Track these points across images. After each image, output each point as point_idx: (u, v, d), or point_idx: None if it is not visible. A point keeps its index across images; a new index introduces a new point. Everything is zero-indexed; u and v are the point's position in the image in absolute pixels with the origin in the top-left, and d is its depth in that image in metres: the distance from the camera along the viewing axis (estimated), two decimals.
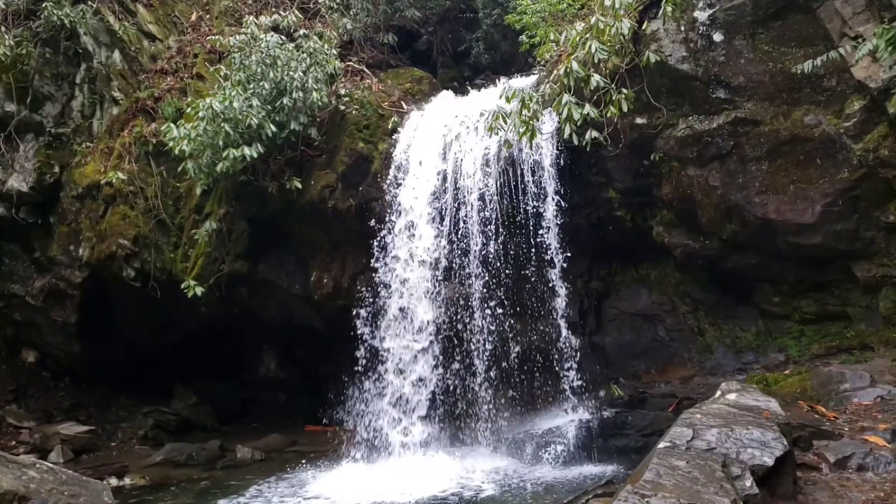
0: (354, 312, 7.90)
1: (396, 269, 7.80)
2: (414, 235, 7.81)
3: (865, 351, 6.58)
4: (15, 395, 9.78)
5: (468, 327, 7.60)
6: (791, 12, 6.23)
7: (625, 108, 6.27)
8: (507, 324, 7.72)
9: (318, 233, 8.76)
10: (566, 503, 4.38)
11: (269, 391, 11.04)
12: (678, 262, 7.80)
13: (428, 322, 7.64)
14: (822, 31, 6.09)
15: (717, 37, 6.48)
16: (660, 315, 8.23)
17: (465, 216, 7.60)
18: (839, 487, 3.87)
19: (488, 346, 7.51)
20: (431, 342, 7.59)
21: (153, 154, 9.07)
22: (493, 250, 7.52)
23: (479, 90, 8.83)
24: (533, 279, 7.61)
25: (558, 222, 7.36)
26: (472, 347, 7.54)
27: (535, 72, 8.35)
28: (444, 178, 7.78)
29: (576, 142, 6.39)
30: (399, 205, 7.92)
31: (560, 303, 7.42)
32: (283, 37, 8.43)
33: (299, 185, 8.25)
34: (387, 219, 7.94)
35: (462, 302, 7.66)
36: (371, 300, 7.87)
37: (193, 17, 10.27)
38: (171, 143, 8.09)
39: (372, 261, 7.90)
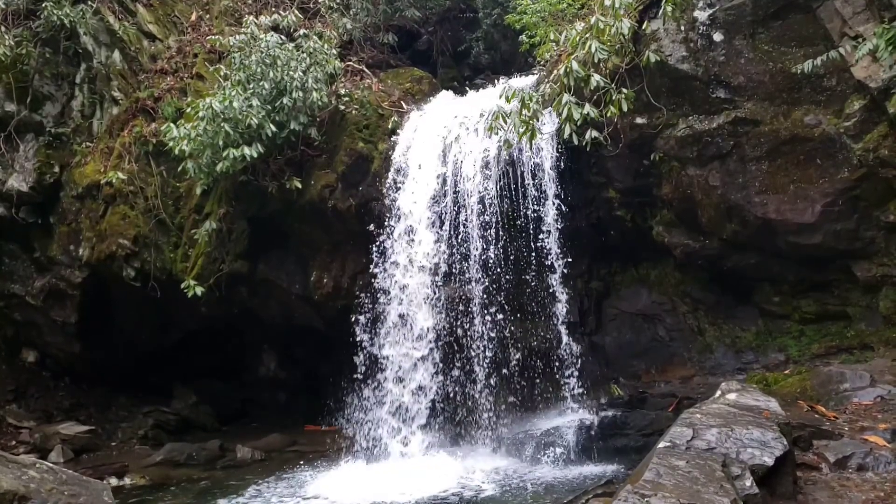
0: (353, 318, 7.82)
1: (396, 274, 7.72)
2: (413, 240, 7.73)
3: (865, 351, 6.58)
4: (15, 394, 9.78)
5: (468, 333, 7.54)
6: (791, 12, 6.23)
7: (625, 108, 6.27)
8: (508, 330, 7.65)
9: (318, 233, 8.76)
10: (566, 503, 4.38)
11: (269, 391, 11.04)
12: (678, 262, 7.80)
13: (428, 329, 7.55)
14: (822, 31, 6.09)
15: (717, 36, 6.48)
16: (660, 315, 8.23)
17: (465, 220, 7.53)
18: (839, 487, 3.86)
19: (488, 354, 7.44)
20: (431, 349, 7.50)
21: (153, 154, 9.07)
22: (493, 255, 7.44)
23: (478, 90, 8.78)
24: (533, 284, 7.55)
25: (559, 227, 7.31)
26: (473, 354, 7.48)
27: (535, 72, 8.35)
28: (444, 182, 7.71)
29: (576, 142, 6.38)
30: (398, 209, 7.85)
31: (561, 308, 7.37)
32: (282, 37, 8.43)
33: (299, 185, 8.25)
34: (386, 223, 7.87)
35: (462, 308, 7.60)
36: (370, 306, 7.79)
37: (193, 17, 10.27)
38: (171, 143, 8.09)
39: (371, 266, 7.84)
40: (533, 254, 7.39)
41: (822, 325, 7.09)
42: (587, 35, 6.27)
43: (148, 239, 8.97)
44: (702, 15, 6.49)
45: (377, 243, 7.85)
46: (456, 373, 7.55)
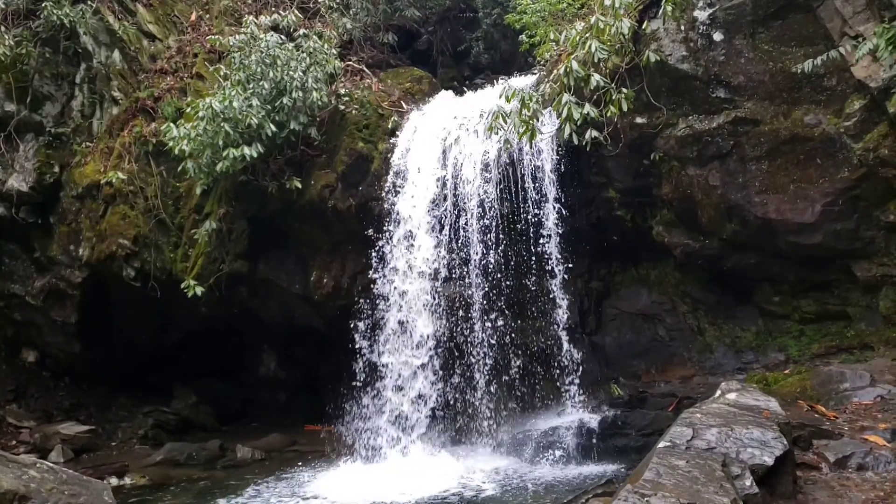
0: (353, 325, 7.74)
1: (395, 280, 7.63)
2: (413, 245, 7.63)
3: (865, 350, 6.57)
4: (15, 394, 9.78)
5: (468, 339, 7.46)
6: (791, 12, 6.23)
7: (625, 108, 6.27)
8: (508, 336, 7.59)
9: (318, 232, 8.76)
10: (566, 503, 4.37)
11: (269, 391, 11.04)
12: (678, 262, 7.80)
13: (427, 336, 7.46)
14: (823, 31, 6.09)
15: (717, 36, 6.48)
16: (660, 315, 8.22)
17: (465, 224, 7.44)
18: (839, 487, 3.86)
19: (489, 361, 7.38)
20: (431, 357, 7.42)
21: (153, 154, 9.07)
22: (493, 260, 7.36)
23: (477, 90, 8.72)
24: (534, 289, 7.48)
25: (559, 231, 7.24)
26: (473, 360, 7.41)
27: (535, 71, 8.34)
28: (444, 185, 7.63)
29: (576, 141, 6.38)
30: (397, 213, 7.76)
31: (561, 315, 7.31)
32: (282, 36, 8.43)
33: (299, 185, 8.25)
34: (385, 227, 7.80)
35: (462, 313, 7.52)
36: (369, 312, 7.70)
37: (193, 17, 10.27)
38: (170, 143, 8.09)
39: (370, 272, 7.76)
40: (533, 258, 7.32)
41: (822, 325, 7.09)
42: (587, 35, 6.26)
43: (148, 239, 8.97)
44: (702, 14, 6.49)
45: (376, 248, 7.78)
46: (456, 380, 7.48)
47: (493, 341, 7.45)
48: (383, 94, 8.88)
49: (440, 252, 7.55)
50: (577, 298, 8.23)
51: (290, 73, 8.01)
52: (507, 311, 7.54)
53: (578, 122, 6.16)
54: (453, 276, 7.54)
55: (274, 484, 7.00)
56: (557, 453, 6.90)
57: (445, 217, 7.57)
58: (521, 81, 7.92)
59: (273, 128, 7.91)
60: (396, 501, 6.03)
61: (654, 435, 6.19)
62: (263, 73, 7.99)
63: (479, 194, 7.43)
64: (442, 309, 7.54)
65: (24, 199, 9.26)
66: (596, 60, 6.33)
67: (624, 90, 6.33)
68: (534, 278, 7.44)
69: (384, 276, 7.70)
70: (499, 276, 7.46)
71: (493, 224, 7.38)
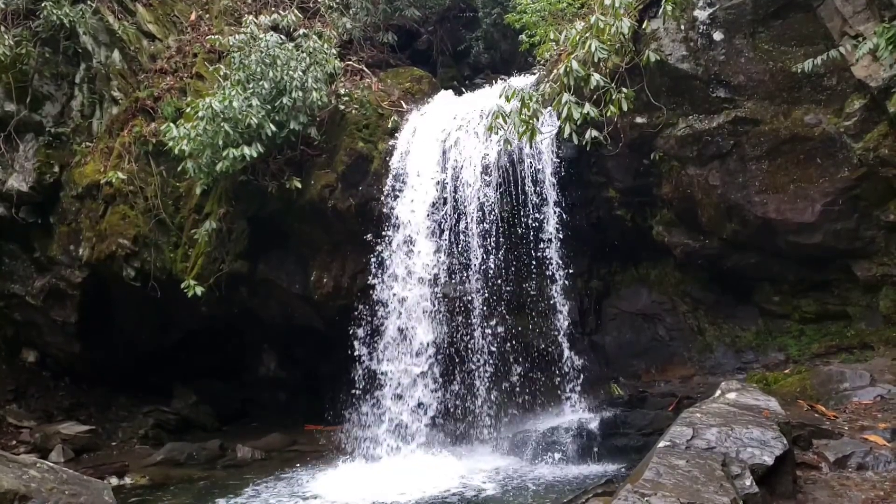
0: (352, 332, 7.68)
1: (394, 287, 7.54)
2: (412, 251, 7.54)
3: (865, 350, 6.57)
4: (15, 394, 9.78)
5: (468, 346, 7.39)
6: (791, 11, 6.23)
7: (625, 108, 6.27)
8: (509, 344, 7.53)
9: (318, 232, 8.76)
10: (566, 502, 4.38)
11: (269, 391, 11.04)
12: (678, 262, 7.79)
13: (427, 344, 7.37)
14: (823, 30, 6.09)
15: (718, 36, 6.48)
16: (660, 314, 8.22)
17: (466, 228, 7.34)
18: (839, 486, 3.87)
19: (489, 369, 7.31)
20: (431, 365, 7.33)
21: (153, 154, 9.07)
22: (493, 265, 7.27)
23: (474, 91, 8.67)
24: (534, 294, 7.41)
25: (560, 236, 7.18)
26: (473, 367, 7.35)
27: (535, 71, 8.34)
28: (443, 188, 7.55)
29: (575, 141, 6.38)
30: (396, 218, 7.66)
31: (562, 321, 7.25)
32: (282, 36, 8.42)
33: (299, 185, 8.25)
34: (384, 233, 7.72)
35: (462, 319, 7.43)
36: (369, 318, 7.61)
37: (193, 17, 10.27)
38: (170, 143, 8.09)
39: (370, 277, 7.69)
40: (533, 263, 7.25)
41: (822, 325, 7.09)
42: (587, 34, 6.26)
43: (148, 239, 8.97)
44: (702, 14, 6.49)
45: (375, 253, 7.71)
46: (456, 387, 7.40)
47: (493, 348, 7.37)
48: (383, 93, 8.87)
49: (440, 257, 7.45)
50: (577, 298, 8.22)
51: (290, 72, 8.01)
52: (507, 317, 7.47)
53: (578, 122, 6.16)
54: (453, 280, 7.47)
55: (274, 484, 7.00)
56: (557, 453, 6.90)
57: (445, 221, 7.48)
58: (521, 81, 7.92)
59: (273, 128, 7.91)
60: (397, 501, 6.02)
61: (654, 434, 6.19)
62: (263, 72, 7.99)
63: (478, 198, 7.35)
64: (442, 315, 7.45)
65: (24, 199, 9.26)
66: (596, 60, 6.33)
67: (624, 90, 6.33)
68: (534, 283, 7.35)
69: (383, 281, 7.61)
70: (499, 281, 7.38)
71: (494, 228, 7.30)
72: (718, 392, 4.69)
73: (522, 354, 7.74)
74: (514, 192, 7.35)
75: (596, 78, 6.18)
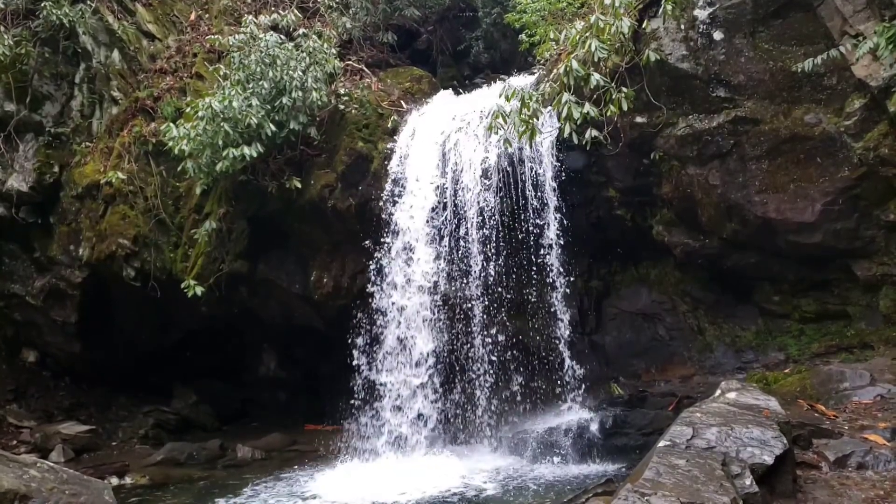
0: (350, 341, 7.59)
1: (393, 295, 7.45)
2: (412, 259, 7.43)
3: (865, 350, 6.57)
4: (15, 394, 9.78)
5: (468, 354, 7.33)
6: (791, 10, 6.23)
7: (625, 107, 6.26)
8: (510, 353, 7.48)
9: (318, 232, 8.76)
10: (567, 502, 4.37)
11: (269, 391, 11.04)
12: (678, 261, 7.79)
13: (427, 354, 7.27)
14: (823, 30, 6.09)
15: (718, 35, 6.48)
16: (660, 314, 8.22)
17: (465, 234, 7.25)
18: (839, 486, 3.87)
19: (489, 379, 7.25)
20: (431, 375, 7.24)
21: (153, 154, 9.07)
22: (493, 272, 7.19)
23: (472, 91, 8.62)
24: (535, 301, 7.33)
25: (561, 242, 7.11)
26: (473, 376, 7.29)
27: (535, 71, 8.34)
28: (443, 193, 7.45)
29: (575, 141, 6.38)
30: (395, 224, 7.56)
31: (563, 329, 7.20)
32: (282, 36, 8.42)
33: (299, 185, 8.25)
34: (382, 240, 7.64)
35: (462, 326, 7.35)
36: (368, 327, 7.51)
37: (192, 17, 10.27)
38: (170, 143, 8.09)
39: (368, 285, 7.63)
40: (534, 269, 7.20)
41: (822, 325, 7.09)
42: (587, 34, 6.26)
43: (148, 239, 8.97)
44: (702, 14, 6.49)
45: (374, 259, 7.64)
46: (456, 396, 7.32)
47: (493, 357, 7.30)
48: (383, 93, 8.87)
49: (440, 264, 7.36)
50: (577, 298, 8.20)
51: (290, 72, 8.01)
52: (508, 325, 7.41)
53: (578, 122, 6.15)
54: (453, 287, 7.38)
55: (273, 483, 7.00)
56: (558, 453, 6.90)
57: (445, 227, 7.38)
58: (521, 81, 7.90)
59: (273, 127, 7.91)
60: (397, 501, 6.02)
61: (654, 434, 6.20)
62: (263, 72, 7.99)
63: (478, 202, 7.26)
64: (442, 323, 7.35)
65: (23, 199, 9.26)
66: (596, 59, 6.33)
67: (624, 89, 6.33)
68: (535, 290, 7.26)
69: (382, 289, 7.51)
70: (500, 288, 7.32)
71: (494, 233, 7.20)
72: (718, 392, 4.69)
73: (523, 363, 7.66)
74: (514, 196, 7.28)
75: (596, 77, 6.18)
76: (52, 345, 10.04)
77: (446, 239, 7.39)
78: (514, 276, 7.42)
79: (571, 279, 7.25)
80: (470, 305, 7.37)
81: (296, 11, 9.44)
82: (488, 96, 7.82)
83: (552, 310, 7.30)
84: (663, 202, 7.42)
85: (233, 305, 9.40)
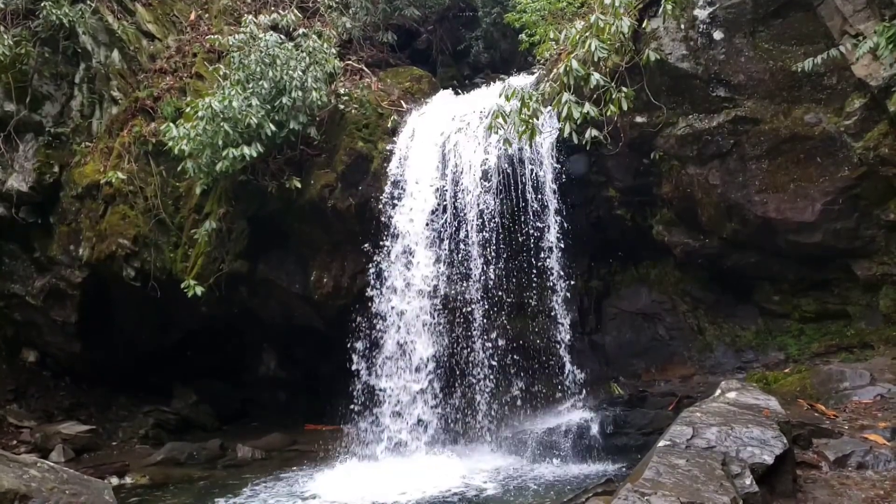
0: (350, 345, 7.54)
1: (393, 300, 7.39)
2: (412, 262, 7.36)
3: (865, 349, 6.57)
4: (15, 394, 9.78)
5: (468, 359, 7.28)
6: (791, 10, 6.23)
7: (625, 107, 6.26)
8: (510, 357, 7.45)
9: (318, 232, 8.75)
10: (566, 501, 4.37)
11: (269, 391, 11.04)
12: (678, 261, 7.79)
13: (427, 359, 7.21)
14: (823, 29, 6.09)
15: (718, 35, 6.48)
16: (660, 314, 8.22)
17: (465, 236, 7.19)
18: (839, 485, 3.87)
19: (489, 384, 7.21)
20: (431, 381, 7.18)
21: (153, 154, 9.07)
22: (493, 275, 7.14)
23: (471, 91, 8.59)
24: (535, 304, 7.30)
25: (561, 245, 7.07)
26: (473, 381, 7.25)
27: (535, 70, 8.33)
28: (443, 195, 7.40)
29: (575, 140, 6.38)
30: (395, 227, 7.50)
31: (563, 334, 7.17)
32: (282, 36, 8.42)
33: (299, 185, 8.25)
34: (382, 243, 7.59)
35: (462, 330, 7.30)
36: (367, 332, 7.45)
37: (192, 17, 10.27)
38: (170, 143, 8.09)
39: (368, 289, 7.57)
40: (534, 272, 7.17)
41: (822, 324, 7.09)
42: (587, 34, 6.26)
43: (148, 239, 8.97)
44: (702, 13, 6.49)
45: (374, 263, 7.61)
46: (456, 401, 7.28)
47: (493, 361, 7.27)
48: (383, 93, 8.87)
49: (440, 268, 7.30)
50: (577, 298, 8.19)
51: (290, 72, 8.00)
52: (508, 328, 7.36)
53: (578, 121, 6.15)
54: (453, 290, 7.32)
55: (273, 483, 7.00)
56: (558, 453, 6.90)
57: (444, 230, 7.33)
58: (521, 80, 7.89)
59: (273, 127, 7.91)
60: (397, 501, 6.02)
61: (654, 434, 6.19)
62: (263, 72, 7.99)
63: (478, 205, 7.20)
64: (442, 327, 7.29)
65: (23, 199, 9.26)
66: (596, 59, 6.33)
67: (624, 89, 6.33)
68: (535, 294, 7.22)
69: (382, 293, 7.45)
70: (500, 292, 7.27)
71: (494, 236, 7.16)
72: (718, 391, 4.69)
73: (523, 367, 7.63)
74: (514, 199, 7.24)
75: (596, 77, 6.18)
76: (52, 345, 10.04)
77: (446, 242, 7.34)
78: (514, 280, 7.39)
79: (572, 282, 7.22)
80: (470, 309, 7.33)
81: (296, 11, 9.44)
82: (488, 96, 7.80)
83: (552, 313, 7.27)
84: (663, 202, 7.42)
85: (233, 305, 9.40)
